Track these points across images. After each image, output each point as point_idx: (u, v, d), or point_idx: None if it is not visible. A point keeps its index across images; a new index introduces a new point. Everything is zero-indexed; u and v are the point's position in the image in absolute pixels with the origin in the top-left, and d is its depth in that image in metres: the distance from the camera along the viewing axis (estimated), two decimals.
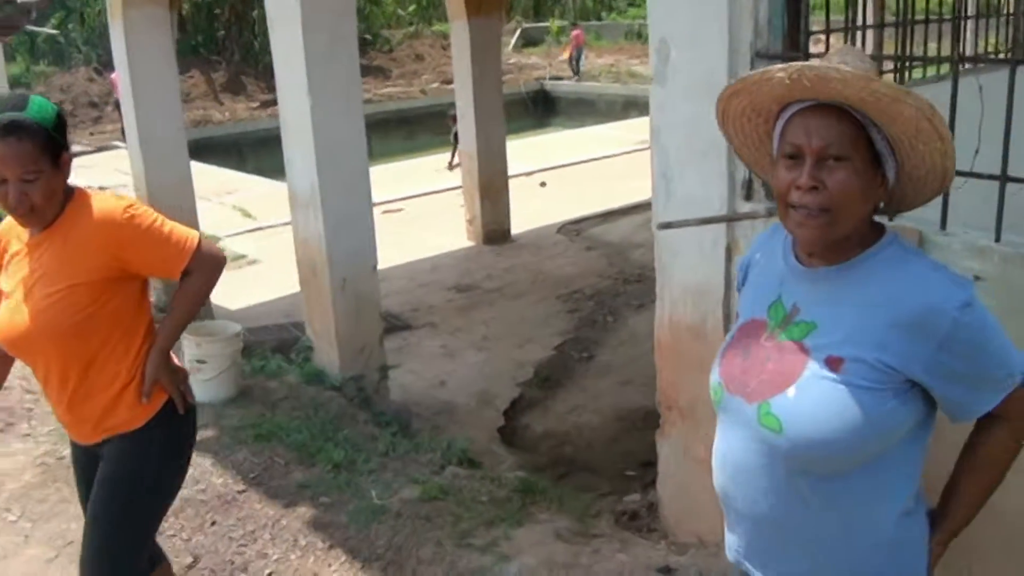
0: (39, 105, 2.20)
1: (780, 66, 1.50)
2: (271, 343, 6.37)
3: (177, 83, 7.41)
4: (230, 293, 7.94)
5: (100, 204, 2.31)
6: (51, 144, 2.20)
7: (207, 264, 2.42)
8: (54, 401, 2.42)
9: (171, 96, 7.19)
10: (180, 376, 2.46)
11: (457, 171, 10.01)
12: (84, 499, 2.55)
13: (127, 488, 2.42)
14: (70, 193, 2.32)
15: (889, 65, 3.93)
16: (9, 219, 2.36)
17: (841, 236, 1.55)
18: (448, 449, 4.59)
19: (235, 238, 10.05)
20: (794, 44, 2.98)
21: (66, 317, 2.25)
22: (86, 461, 2.52)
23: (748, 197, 3.00)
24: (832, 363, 1.53)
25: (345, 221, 5.22)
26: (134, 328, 2.37)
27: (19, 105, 2.17)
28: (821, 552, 1.62)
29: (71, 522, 3.85)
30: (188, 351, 4.99)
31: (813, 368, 1.54)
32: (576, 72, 25.31)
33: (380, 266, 5.59)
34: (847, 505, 1.58)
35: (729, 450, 1.67)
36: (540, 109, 23.17)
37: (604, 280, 8.11)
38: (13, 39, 20.75)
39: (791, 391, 1.55)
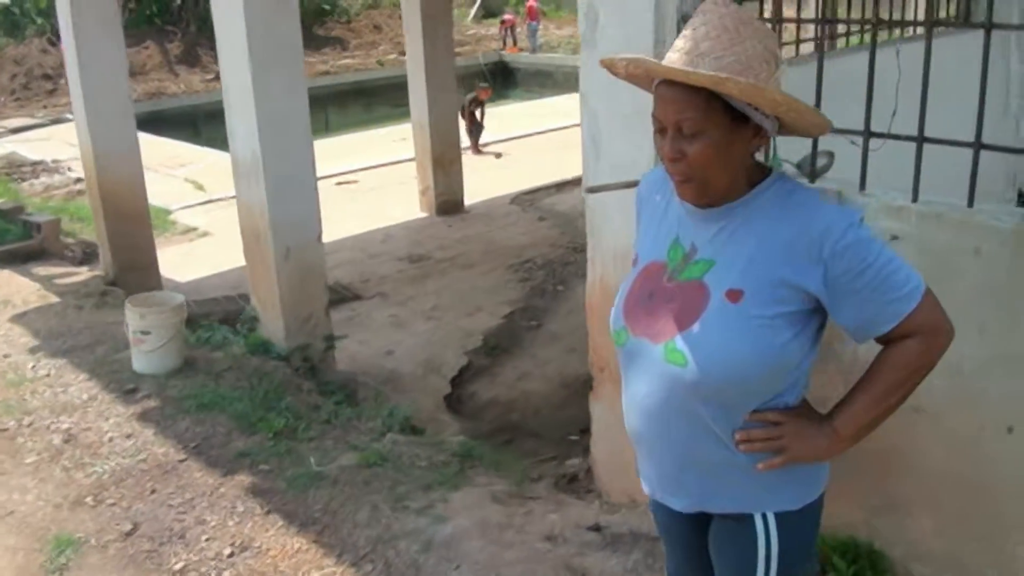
0: None
1: (622, 56, 1.63)
2: (218, 315, 6.32)
3: (124, 52, 7.23)
4: (180, 265, 7.89)
5: None
6: None
7: None
8: None
9: (117, 66, 7.00)
10: None
11: (410, 143, 9.87)
12: None
13: None
14: None
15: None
16: None
17: (718, 193, 1.63)
18: (390, 416, 4.61)
19: (186, 211, 9.94)
20: None
21: None
22: None
23: None
24: (732, 296, 1.60)
25: (288, 190, 5.19)
26: None
27: None
28: (725, 475, 1.69)
29: (12, 493, 3.87)
30: (132, 323, 4.94)
31: (714, 302, 1.61)
32: (529, 47, 24.75)
33: (332, 237, 5.57)
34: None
35: (637, 392, 1.72)
36: (499, 80, 23.03)
37: (555, 250, 8.14)
38: None
39: (696, 327, 1.61)
